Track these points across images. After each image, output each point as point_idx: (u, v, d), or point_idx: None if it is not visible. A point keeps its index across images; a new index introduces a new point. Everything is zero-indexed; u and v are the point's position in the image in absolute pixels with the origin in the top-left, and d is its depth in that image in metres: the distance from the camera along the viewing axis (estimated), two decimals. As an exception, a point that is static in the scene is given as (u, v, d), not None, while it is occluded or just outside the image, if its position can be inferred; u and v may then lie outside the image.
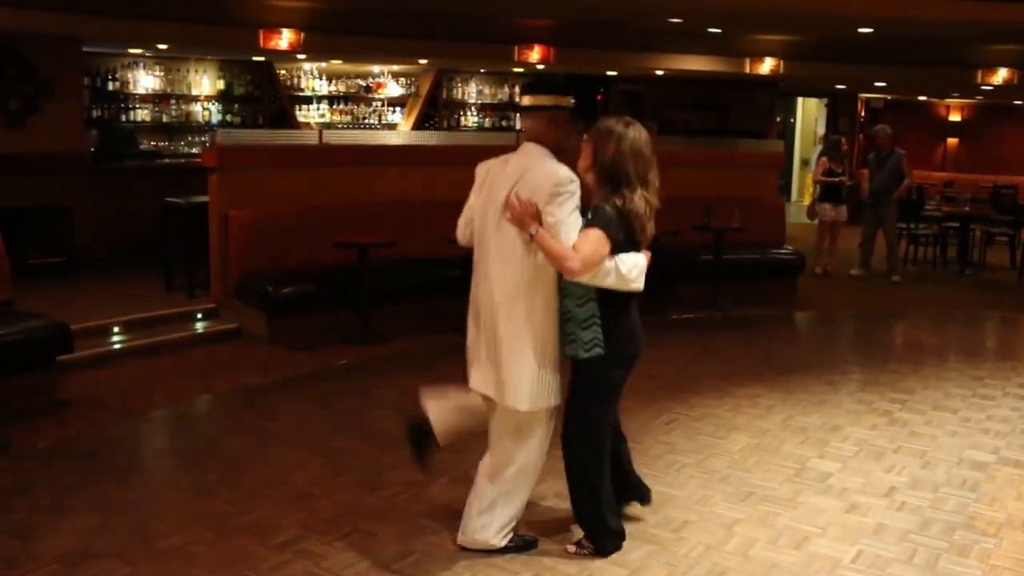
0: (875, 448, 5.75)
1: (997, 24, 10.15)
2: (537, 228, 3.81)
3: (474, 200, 4.15)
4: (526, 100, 4.08)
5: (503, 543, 4.15)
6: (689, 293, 9.66)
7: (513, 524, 4.19)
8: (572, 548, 4.21)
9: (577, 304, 3.96)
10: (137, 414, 6.09)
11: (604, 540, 4.20)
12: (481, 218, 4.07)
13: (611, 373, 4.04)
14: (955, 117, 20.12)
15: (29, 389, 5.98)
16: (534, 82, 4.29)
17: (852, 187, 11.95)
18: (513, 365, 3.94)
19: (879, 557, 4.30)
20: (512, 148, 4.12)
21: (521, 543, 4.22)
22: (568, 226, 3.81)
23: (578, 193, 3.87)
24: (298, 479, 5.02)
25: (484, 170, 4.14)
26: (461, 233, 4.26)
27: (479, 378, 4.11)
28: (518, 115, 4.25)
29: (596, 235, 3.81)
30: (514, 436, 4.09)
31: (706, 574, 4.09)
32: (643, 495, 4.53)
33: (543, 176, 3.85)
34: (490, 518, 4.13)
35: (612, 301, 3.95)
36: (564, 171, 3.86)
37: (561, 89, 4.09)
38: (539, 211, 3.82)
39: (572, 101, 4.07)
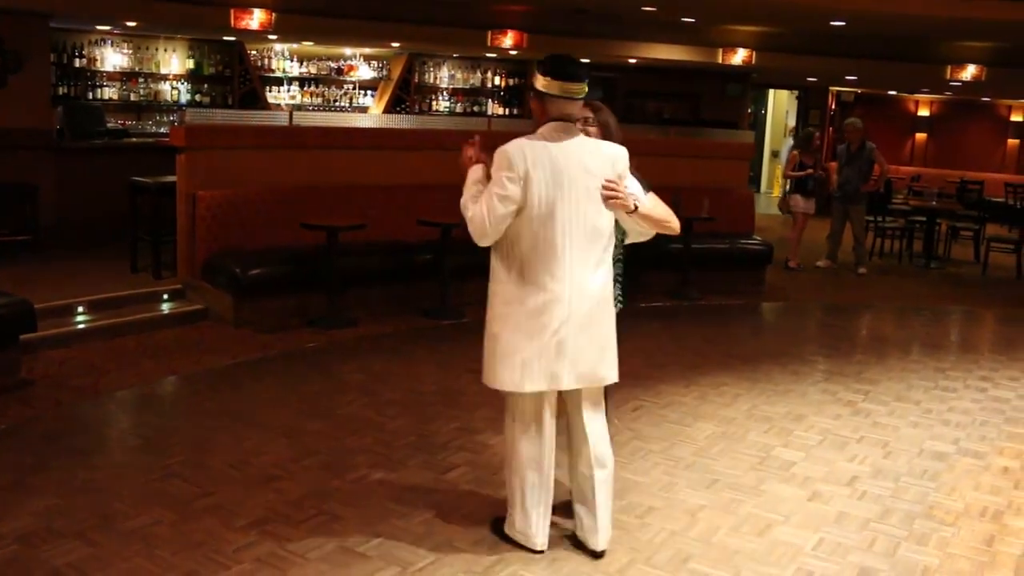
0: (838, 438, 5.81)
1: (967, 21, 10.26)
2: (639, 201, 3.90)
3: (515, 190, 3.71)
4: (584, 89, 3.82)
5: None
6: (657, 281, 9.69)
7: None
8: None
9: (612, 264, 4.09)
10: (101, 394, 6.04)
11: None
12: (551, 207, 3.74)
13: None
14: (924, 112, 20.33)
15: (-9, 368, 5.91)
16: (584, 68, 3.89)
17: (821, 180, 12.02)
18: (612, 342, 3.97)
19: (840, 545, 4.35)
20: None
21: None
22: (643, 191, 4.01)
23: None
24: (263, 461, 5.00)
25: (530, 154, 3.73)
26: (492, 228, 3.77)
27: (581, 374, 3.88)
28: (561, 99, 3.79)
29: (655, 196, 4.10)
30: (604, 411, 4.12)
31: (669, 560, 4.12)
32: None
33: (617, 153, 3.90)
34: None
35: (626, 260, 4.23)
36: (620, 145, 3.98)
37: None
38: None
39: None
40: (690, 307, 9.52)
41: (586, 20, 12.61)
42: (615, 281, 4.12)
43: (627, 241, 4.20)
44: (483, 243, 3.86)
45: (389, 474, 4.91)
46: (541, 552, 4.05)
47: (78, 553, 3.94)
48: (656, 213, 4.02)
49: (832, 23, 11.49)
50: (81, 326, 7.25)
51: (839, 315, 9.81)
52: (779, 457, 5.43)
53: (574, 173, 3.77)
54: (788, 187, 12.01)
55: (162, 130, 11.91)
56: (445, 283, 8.36)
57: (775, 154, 20.84)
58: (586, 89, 3.84)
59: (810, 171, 11.79)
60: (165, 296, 8.00)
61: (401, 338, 7.74)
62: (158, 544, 4.04)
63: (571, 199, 3.76)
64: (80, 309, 7.43)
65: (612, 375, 3.98)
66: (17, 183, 9.38)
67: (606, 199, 3.80)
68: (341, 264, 7.89)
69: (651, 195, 4.09)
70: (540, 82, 3.81)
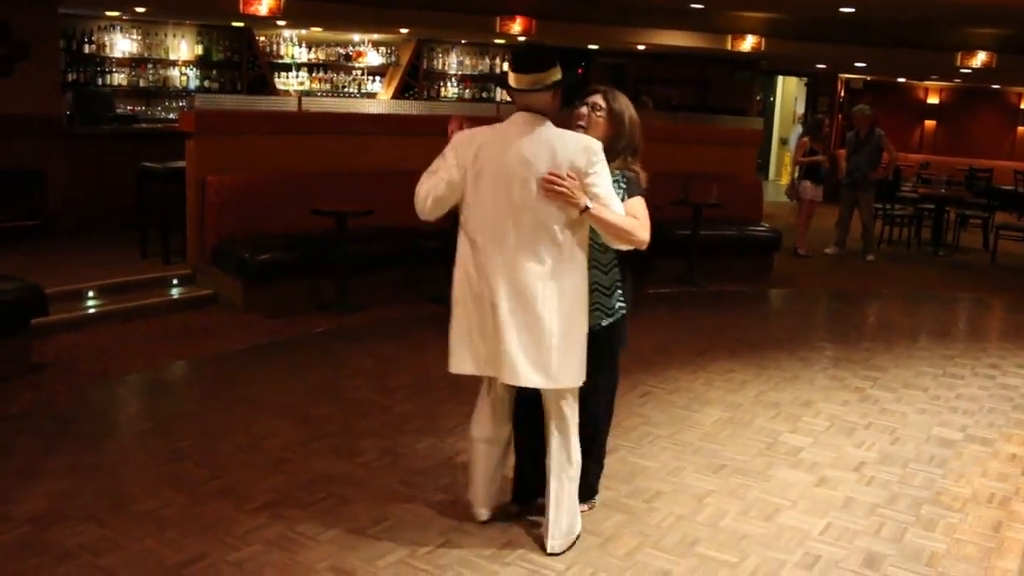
0: (846, 424, 5.82)
1: (977, 7, 10.21)
2: (589, 202, 3.66)
3: (456, 175, 3.80)
4: (533, 80, 3.73)
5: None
6: (665, 268, 9.68)
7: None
8: (586, 507, 4.32)
9: (604, 271, 4.01)
10: (112, 379, 6.07)
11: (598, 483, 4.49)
12: (491, 197, 3.74)
13: (626, 330, 4.18)
14: (933, 100, 20.24)
15: (3, 352, 5.92)
16: (538, 56, 3.82)
17: (829, 169, 12.00)
18: (566, 347, 3.76)
19: (847, 530, 4.37)
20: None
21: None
22: (614, 195, 3.76)
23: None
24: (273, 445, 5.03)
25: (474, 143, 3.79)
26: (430, 206, 3.89)
27: (505, 369, 3.78)
28: (517, 92, 3.77)
29: (643, 203, 3.88)
30: (569, 416, 3.94)
31: (677, 544, 4.14)
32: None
33: (576, 147, 3.69)
34: (576, 507, 4.06)
35: (626, 265, 4.08)
36: (593, 140, 3.76)
37: (556, 58, 3.81)
38: (583, 184, 3.67)
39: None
40: (698, 294, 9.51)
41: (595, 6, 12.57)
42: (613, 287, 4.04)
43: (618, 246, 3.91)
44: (421, 216, 3.95)
45: (398, 458, 4.94)
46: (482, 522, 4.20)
47: (89, 535, 3.97)
48: (615, 220, 3.73)
49: (841, 10, 11.43)
50: (91, 311, 7.29)
51: (847, 302, 9.80)
52: (787, 443, 5.45)
53: (512, 164, 3.69)
54: (797, 174, 12.00)
55: (171, 116, 11.95)
56: (453, 268, 8.36)
57: (784, 141, 20.78)
58: (543, 80, 3.71)
59: (821, 158, 11.77)
60: (175, 281, 8.04)
61: (409, 323, 7.76)
62: (168, 526, 4.07)
63: (508, 190, 3.70)
64: (90, 294, 7.46)
65: (546, 380, 3.78)
66: (26, 169, 9.39)
67: (545, 191, 3.64)
68: (350, 250, 7.90)
69: (635, 201, 3.87)
70: (509, 76, 3.83)
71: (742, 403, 6.11)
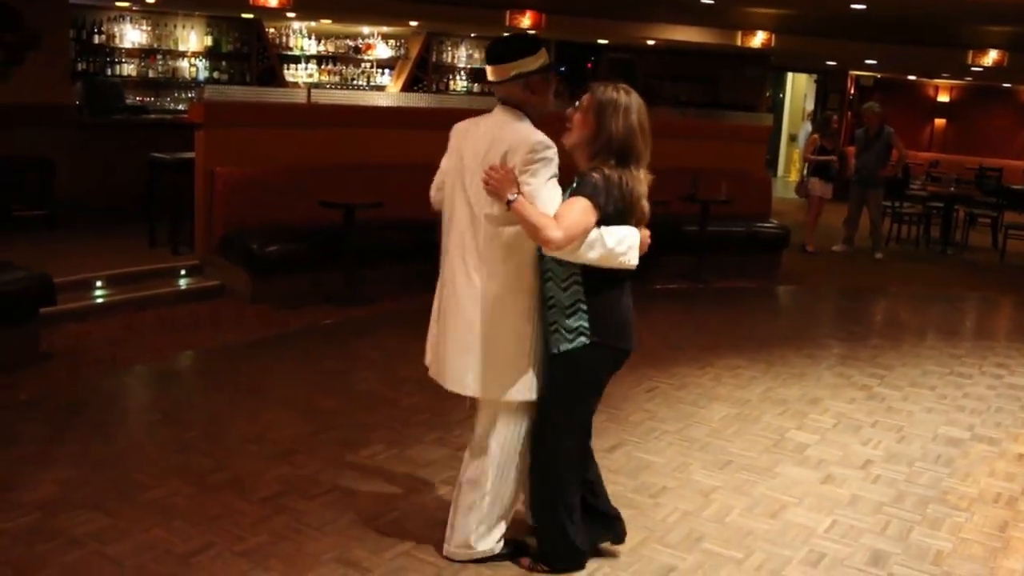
0: (853, 422, 5.82)
1: (989, 4, 10.16)
2: (516, 195, 3.35)
3: (446, 164, 3.77)
4: (495, 72, 3.59)
5: (501, 548, 3.82)
6: (673, 264, 9.68)
7: (505, 527, 3.83)
8: (527, 562, 3.82)
9: (561, 287, 3.51)
10: (119, 368, 6.08)
11: (563, 559, 3.77)
12: (451, 185, 3.67)
13: (597, 369, 3.59)
14: (943, 98, 20.17)
15: (12, 341, 5.94)
16: (498, 47, 3.63)
17: (839, 167, 11.99)
18: (480, 352, 3.55)
19: (853, 527, 4.36)
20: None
21: (515, 548, 3.88)
22: (546, 195, 3.41)
23: (555, 160, 3.46)
24: (280, 436, 5.04)
25: (458, 134, 3.72)
26: (434, 196, 3.88)
27: (437, 369, 3.74)
28: (491, 85, 3.67)
29: (581, 204, 3.35)
30: (489, 430, 3.69)
31: (682, 539, 4.14)
32: (616, 532, 3.95)
33: (517, 140, 3.44)
34: (489, 521, 3.76)
35: (600, 284, 3.50)
36: (539, 135, 3.46)
37: (530, 47, 3.57)
38: (516, 177, 3.41)
39: (545, 59, 3.60)
40: (706, 290, 9.50)
41: (605, 1, 12.55)
42: (574, 306, 3.50)
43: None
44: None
45: (404, 450, 4.95)
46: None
47: (97, 523, 3.98)
48: (529, 216, 3.34)
49: (852, 6, 11.39)
50: (99, 301, 7.29)
51: (855, 300, 9.78)
52: (793, 440, 5.44)
53: (467, 157, 3.58)
54: (807, 170, 11.98)
55: (180, 107, 11.97)
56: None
57: (793, 138, 20.74)
58: (506, 72, 3.53)
59: (832, 157, 11.75)
60: (183, 272, 8.05)
61: (417, 315, 7.63)
62: (176, 516, 4.08)
63: (462, 182, 3.59)
64: (98, 284, 7.47)
65: (467, 387, 3.60)
66: (35, 158, 9.41)
67: (483, 184, 3.45)
68: (358, 242, 7.91)
69: (572, 200, 3.39)
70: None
71: (749, 399, 6.11)
